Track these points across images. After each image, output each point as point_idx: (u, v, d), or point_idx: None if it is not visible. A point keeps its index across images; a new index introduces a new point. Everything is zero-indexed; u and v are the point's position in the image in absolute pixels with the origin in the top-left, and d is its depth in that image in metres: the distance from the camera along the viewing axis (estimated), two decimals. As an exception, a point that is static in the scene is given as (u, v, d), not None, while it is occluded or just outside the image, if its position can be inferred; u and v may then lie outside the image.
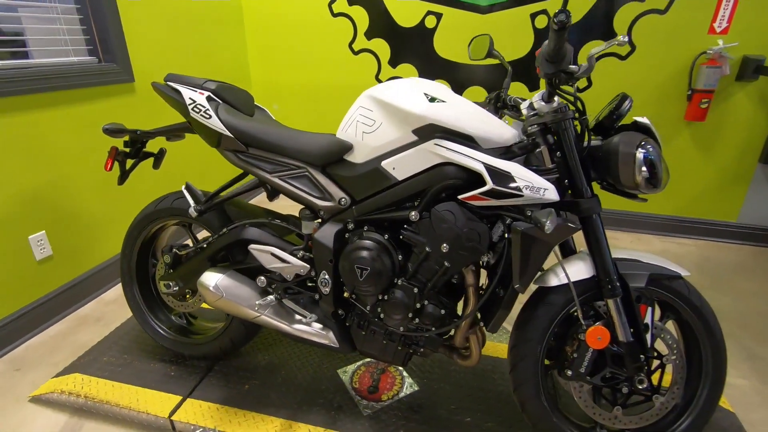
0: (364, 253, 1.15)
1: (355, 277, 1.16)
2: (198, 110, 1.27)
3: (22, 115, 1.71)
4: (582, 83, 2.64)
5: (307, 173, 1.24)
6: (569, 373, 1.12)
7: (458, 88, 2.86)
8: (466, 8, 2.67)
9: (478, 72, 2.79)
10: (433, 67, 2.85)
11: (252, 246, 1.28)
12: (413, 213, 1.11)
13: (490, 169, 1.03)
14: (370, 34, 2.89)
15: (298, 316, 1.31)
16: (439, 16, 2.72)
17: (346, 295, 1.29)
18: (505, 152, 1.10)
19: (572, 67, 1.00)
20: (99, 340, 1.75)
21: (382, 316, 1.22)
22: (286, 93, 3.22)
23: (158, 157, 1.58)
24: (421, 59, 2.86)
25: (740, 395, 1.53)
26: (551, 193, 1.02)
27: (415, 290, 1.15)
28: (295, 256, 1.27)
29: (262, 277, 1.31)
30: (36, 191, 1.79)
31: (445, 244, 1.11)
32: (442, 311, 1.17)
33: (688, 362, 1.18)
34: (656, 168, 0.99)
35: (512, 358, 1.17)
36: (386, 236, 1.18)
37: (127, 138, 1.48)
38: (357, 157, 1.18)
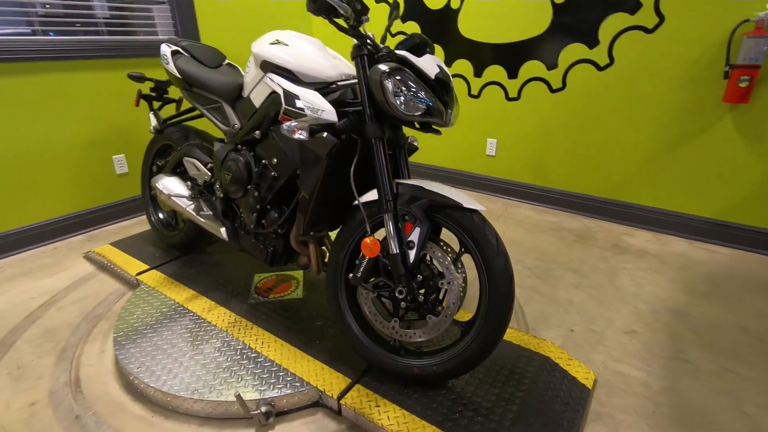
0: (230, 163, 1.52)
1: (225, 180, 1.53)
2: (164, 59, 1.80)
3: (118, 72, 2.52)
4: (603, 60, 2.44)
5: (221, 105, 1.66)
6: (350, 275, 1.29)
7: (480, 67, 2.91)
8: (489, -13, 2.71)
9: (498, 51, 2.80)
10: (457, 47, 2.96)
11: (185, 158, 1.76)
12: (257, 132, 1.43)
13: (286, 93, 1.28)
14: (404, 18, 3.15)
15: (208, 213, 1.75)
16: (463, -4, 2.82)
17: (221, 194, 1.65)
18: (325, 87, 1.33)
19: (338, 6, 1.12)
20: (139, 232, 2.49)
21: (242, 214, 1.57)
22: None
23: (179, 102, 2.19)
24: (447, 39, 2.99)
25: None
26: (328, 115, 1.22)
27: (256, 194, 1.47)
28: (205, 167, 1.70)
29: (189, 182, 1.78)
30: (121, 126, 2.61)
31: (274, 158, 1.40)
32: (276, 214, 1.46)
33: (480, 292, 1.23)
34: (406, 93, 1.11)
35: (327, 271, 1.39)
36: (252, 153, 1.52)
37: (152, 84, 2.12)
38: (245, 93, 1.54)
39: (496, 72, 2.86)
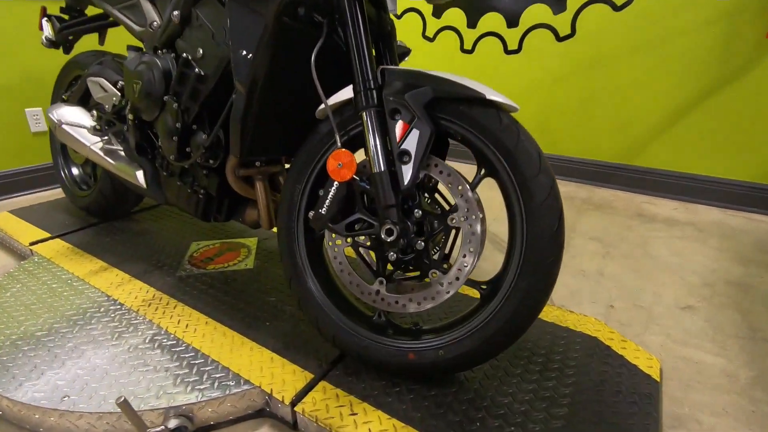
0: (141, 67, 1.05)
1: (132, 92, 1.07)
2: None
3: (34, 1, 2.01)
4: (620, -2, 2.08)
5: (138, 3, 1.19)
6: (311, 214, 0.85)
7: (475, 15, 2.51)
8: None
9: (496, -5, 2.41)
10: (448, -7, 2.56)
11: (89, 78, 1.28)
12: (174, 14, 0.97)
13: None
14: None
15: (119, 153, 1.27)
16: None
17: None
18: None
19: None
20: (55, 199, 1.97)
21: (159, 145, 1.10)
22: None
23: (102, 33, 1.70)
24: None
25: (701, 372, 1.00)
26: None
27: (176, 106, 1.00)
28: (114, 86, 1.23)
29: (94, 111, 1.30)
30: (39, 72, 2.08)
31: (199, 49, 0.95)
32: (205, 135, 1.00)
33: (511, 236, 0.80)
34: None
35: (278, 214, 0.94)
36: (173, 55, 1.06)
37: (63, 4, 1.62)
38: None
39: (493, 20, 2.46)
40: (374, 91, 0.77)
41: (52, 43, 1.44)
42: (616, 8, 2.10)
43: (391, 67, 0.81)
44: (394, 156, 0.76)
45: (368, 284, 0.85)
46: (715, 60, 1.94)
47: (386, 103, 0.77)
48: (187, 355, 0.94)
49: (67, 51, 1.63)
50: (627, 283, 1.41)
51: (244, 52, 0.81)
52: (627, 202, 2.14)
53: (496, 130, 0.76)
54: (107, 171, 1.30)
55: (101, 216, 1.64)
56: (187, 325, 1.04)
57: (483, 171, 0.81)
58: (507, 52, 2.47)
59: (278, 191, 1.15)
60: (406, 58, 1.13)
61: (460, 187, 0.78)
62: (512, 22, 2.40)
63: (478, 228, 0.78)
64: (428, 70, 0.80)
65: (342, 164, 0.78)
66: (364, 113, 0.77)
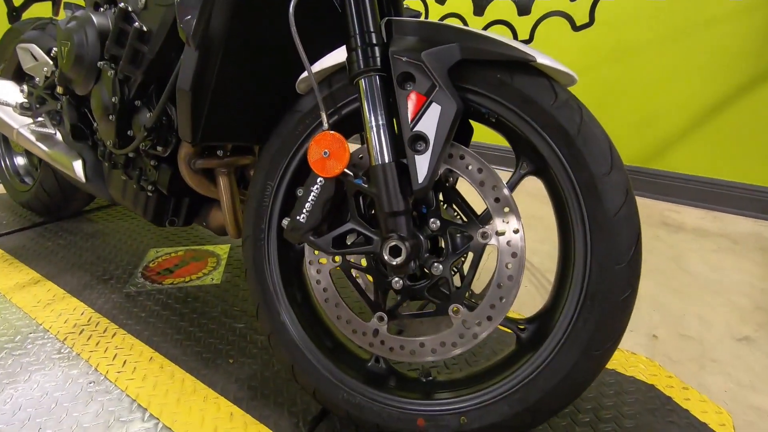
0: (72, 24, 0.80)
1: (62, 58, 0.82)
2: None
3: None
4: (646, -18, 1.87)
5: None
6: (285, 222, 0.61)
7: (483, 1, 2.30)
8: None
9: (506, -22, 2.19)
10: (453, -24, 2.34)
11: (19, 45, 1.03)
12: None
13: None
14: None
15: (56, 138, 1.02)
16: None
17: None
18: None
19: None
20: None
21: (95, 126, 0.85)
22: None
23: (56, 2, 1.45)
24: (440, -33, 2.37)
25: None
26: None
27: (111, 74, 0.76)
28: (48, 54, 0.98)
29: (25, 86, 1.05)
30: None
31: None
32: (149, 112, 0.76)
33: (564, 259, 0.58)
34: None
35: (244, 217, 0.70)
36: (113, 9, 0.82)
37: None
38: None
39: (502, 7, 2.25)
40: (377, 48, 0.54)
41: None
42: (641, -6, 1.89)
43: (400, 18, 0.58)
44: (405, 141, 0.53)
45: (363, 320, 0.62)
46: (750, 53, 1.74)
47: (394, 64, 0.53)
48: (120, 407, 0.70)
49: (13, 21, 1.38)
50: (667, 305, 1.19)
51: (195, -6, 0.57)
52: (648, 209, 1.93)
53: (548, 108, 0.53)
54: (37, 156, 1.05)
55: (46, 214, 1.38)
56: (125, 362, 0.79)
57: (524, 166, 0.58)
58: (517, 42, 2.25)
59: (244, 182, 0.91)
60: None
61: (494, 188, 0.56)
62: (524, 9, 2.18)
63: (520, 245, 0.55)
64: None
65: (329, 152, 0.55)
66: (362, 80, 0.54)
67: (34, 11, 1.69)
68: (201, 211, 0.92)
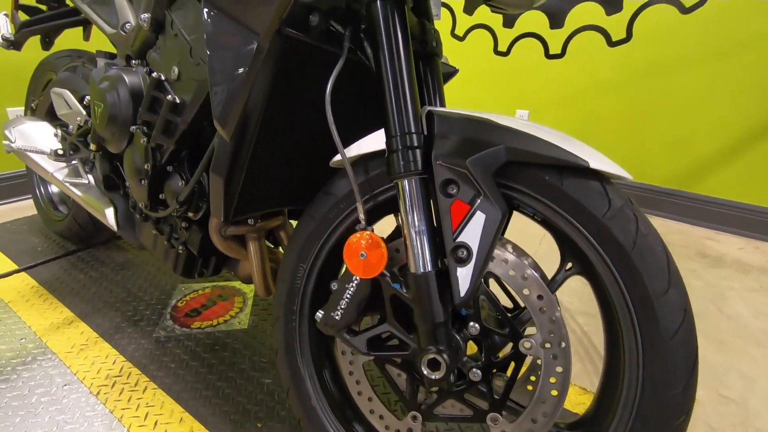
0: (104, 84, 0.80)
1: (95, 117, 0.82)
2: None
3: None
4: (690, -2, 1.77)
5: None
6: (318, 315, 0.60)
7: (513, 14, 2.22)
8: None
9: (539, -10, 2.10)
10: (482, -14, 2.26)
11: (53, 89, 1.04)
12: (143, 16, 0.72)
13: None
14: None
15: (88, 182, 1.03)
16: None
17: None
18: None
19: None
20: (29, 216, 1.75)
21: (127, 183, 0.86)
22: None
23: (87, 27, 1.46)
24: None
25: None
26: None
27: (144, 141, 0.76)
28: (81, 102, 0.99)
29: (58, 130, 1.06)
30: (24, 65, 1.86)
31: (174, 67, 0.69)
32: (182, 181, 0.76)
33: (608, 366, 0.55)
34: None
35: (274, 302, 0.69)
36: (147, 69, 0.81)
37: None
38: None
39: (533, 20, 2.16)
40: (418, 151, 0.51)
41: (10, 44, 1.20)
42: (685, 10, 1.79)
43: (442, 109, 0.55)
44: (446, 251, 0.51)
45: (397, 418, 0.60)
46: (803, 75, 1.63)
47: (437, 171, 0.51)
48: (149, 479, 0.70)
49: (46, 48, 1.40)
50: (706, 357, 1.14)
51: (227, 83, 0.55)
52: (684, 237, 1.86)
53: (600, 215, 0.50)
54: (72, 197, 1.06)
55: (78, 241, 1.41)
56: (156, 423, 0.80)
57: (570, 266, 0.55)
58: (548, 56, 2.17)
59: (275, 246, 0.91)
60: (454, 77, 0.87)
61: (538, 290, 0.53)
62: (557, 22, 2.10)
63: (566, 358, 0.52)
64: (488, 113, 0.54)
65: (366, 255, 0.53)
66: (402, 182, 0.52)
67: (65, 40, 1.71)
68: (229, 261, 0.92)
